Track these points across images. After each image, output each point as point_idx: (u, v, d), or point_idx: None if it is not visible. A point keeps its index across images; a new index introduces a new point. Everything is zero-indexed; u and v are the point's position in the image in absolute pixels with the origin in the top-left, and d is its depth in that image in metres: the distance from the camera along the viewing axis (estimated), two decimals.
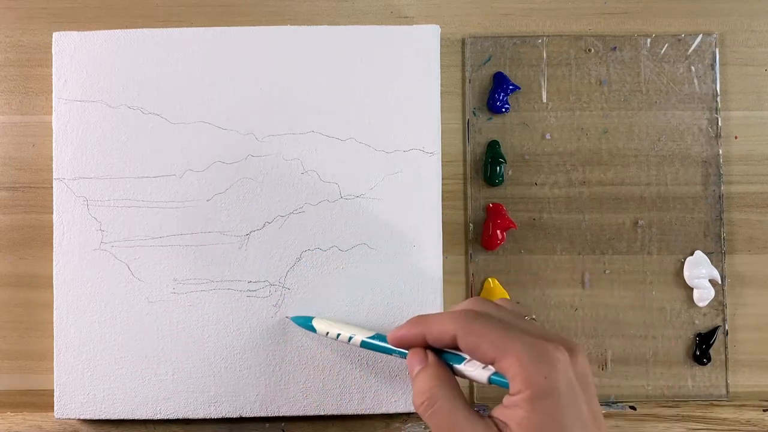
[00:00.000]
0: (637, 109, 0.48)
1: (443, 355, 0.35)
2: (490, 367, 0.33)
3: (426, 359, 0.34)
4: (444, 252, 0.46)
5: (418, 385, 0.33)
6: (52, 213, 0.45)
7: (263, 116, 0.46)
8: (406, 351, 0.36)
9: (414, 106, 0.46)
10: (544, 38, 0.48)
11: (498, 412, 0.31)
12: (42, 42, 0.48)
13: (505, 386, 0.31)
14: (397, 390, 0.45)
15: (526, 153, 0.48)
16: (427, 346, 0.35)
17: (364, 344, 0.40)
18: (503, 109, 0.48)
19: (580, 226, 0.48)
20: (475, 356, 0.32)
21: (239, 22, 0.48)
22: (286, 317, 0.45)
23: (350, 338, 0.41)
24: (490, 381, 0.33)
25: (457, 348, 0.33)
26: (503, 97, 0.48)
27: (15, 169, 0.48)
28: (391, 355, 0.38)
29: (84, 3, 0.49)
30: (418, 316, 0.35)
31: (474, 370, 0.33)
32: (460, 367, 0.34)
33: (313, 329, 0.43)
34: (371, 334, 0.40)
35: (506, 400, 0.31)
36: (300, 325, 0.44)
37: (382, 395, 0.45)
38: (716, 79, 0.48)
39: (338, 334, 0.42)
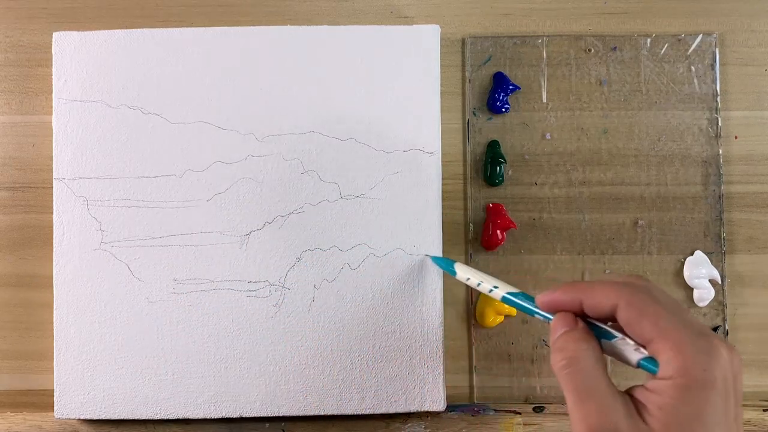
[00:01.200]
0: (637, 109, 0.48)
1: (591, 328, 0.33)
2: (642, 350, 0.31)
3: (575, 323, 0.32)
4: (444, 252, 0.46)
5: (561, 343, 0.31)
6: (52, 213, 0.45)
7: (263, 116, 0.46)
8: (551, 316, 0.34)
9: (414, 106, 0.46)
10: (544, 38, 0.48)
11: (639, 393, 0.30)
12: (42, 42, 0.48)
13: (653, 372, 0.30)
14: (397, 390, 0.45)
15: (526, 153, 0.48)
16: (577, 314, 0.33)
17: (505, 299, 0.38)
18: (503, 109, 0.48)
19: (580, 226, 0.48)
20: (631, 331, 0.30)
21: (239, 22, 0.48)
22: (426, 255, 0.45)
23: (491, 290, 0.39)
24: (639, 364, 0.31)
25: (610, 320, 0.32)
26: (503, 97, 0.48)
27: (15, 169, 0.48)
28: (532, 315, 0.36)
29: (84, 3, 0.49)
30: (573, 281, 0.33)
31: (625, 348, 0.31)
32: (612, 342, 0.32)
33: (453, 272, 0.42)
34: (515, 290, 0.38)
35: (651, 383, 0.29)
36: (440, 266, 0.44)
37: (382, 395, 0.45)
38: (716, 79, 0.48)
39: (479, 283, 0.40)
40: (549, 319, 0.34)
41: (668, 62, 0.48)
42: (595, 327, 0.33)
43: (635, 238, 0.47)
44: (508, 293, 0.38)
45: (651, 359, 0.30)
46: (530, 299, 0.36)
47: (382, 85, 0.46)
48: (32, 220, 0.47)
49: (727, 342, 0.30)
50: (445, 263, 0.44)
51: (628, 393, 0.30)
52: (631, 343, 0.31)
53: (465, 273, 0.42)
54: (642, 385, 0.30)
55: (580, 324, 0.32)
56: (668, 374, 0.28)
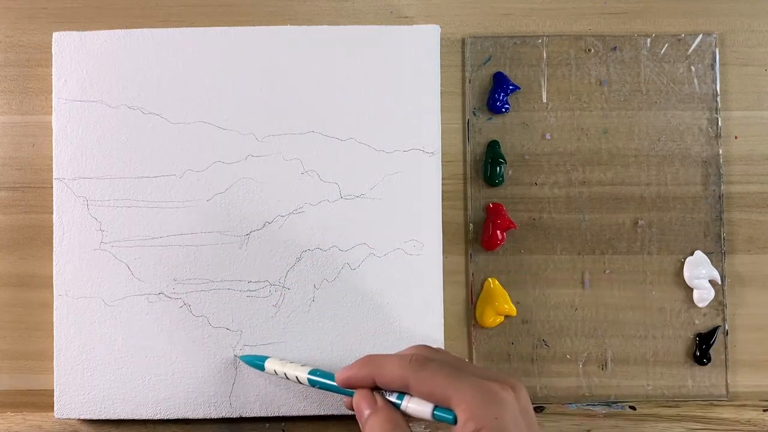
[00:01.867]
0: (637, 109, 0.48)
1: (382, 392, 0.36)
2: (429, 403, 0.34)
3: (375, 402, 0.35)
4: (444, 252, 0.46)
5: (371, 430, 0.35)
6: (52, 213, 0.45)
7: (263, 116, 0.46)
8: (353, 391, 0.37)
9: (414, 106, 0.46)
10: (544, 38, 0.48)
11: None
12: (42, 42, 0.48)
13: (448, 421, 0.33)
14: None
15: (526, 153, 0.48)
16: (374, 388, 0.36)
17: (310, 381, 0.40)
18: (503, 109, 0.48)
19: (580, 226, 0.48)
20: (428, 400, 0.34)
21: (239, 22, 0.48)
22: (236, 356, 0.45)
23: (297, 377, 0.41)
24: (434, 417, 0.34)
25: (405, 391, 0.35)
26: (503, 97, 0.48)
27: (15, 169, 0.48)
28: (337, 393, 0.39)
29: (84, 3, 0.49)
30: (368, 356, 0.37)
31: (417, 407, 0.35)
32: (404, 405, 0.35)
33: (262, 368, 0.43)
34: (318, 370, 0.40)
35: None
36: (249, 364, 0.44)
37: None
38: (716, 79, 0.48)
39: (285, 373, 0.42)
40: (350, 394, 0.37)
41: (668, 62, 0.48)
42: (384, 391, 0.36)
43: (635, 238, 0.47)
44: (311, 373, 0.40)
45: (442, 409, 0.34)
46: (331, 376, 0.39)
47: (382, 85, 0.46)
48: (32, 220, 0.47)
49: (511, 380, 0.34)
50: (254, 360, 0.44)
51: None
52: (420, 400, 0.35)
53: (272, 366, 0.43)
54: None
55: (380, 402, 0.36)
56: (469, 430, 0.32)
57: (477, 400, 0.32)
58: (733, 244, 0.48)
